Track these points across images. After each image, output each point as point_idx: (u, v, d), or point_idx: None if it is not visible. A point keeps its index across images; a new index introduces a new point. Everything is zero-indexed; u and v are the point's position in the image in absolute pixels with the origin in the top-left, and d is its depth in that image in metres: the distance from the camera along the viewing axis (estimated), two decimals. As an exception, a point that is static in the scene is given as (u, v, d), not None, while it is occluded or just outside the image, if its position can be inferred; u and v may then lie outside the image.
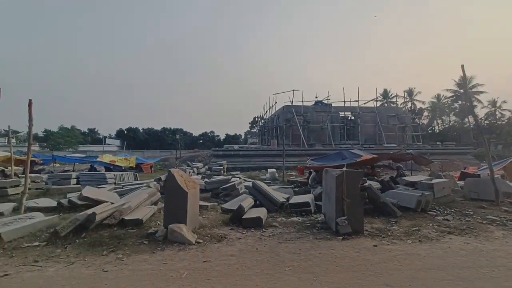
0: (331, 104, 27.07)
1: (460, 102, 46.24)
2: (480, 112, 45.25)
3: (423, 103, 51.44)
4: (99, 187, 10.22)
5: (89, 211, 4.72)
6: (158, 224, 5.10)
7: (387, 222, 4.98)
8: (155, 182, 9.34)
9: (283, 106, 26.70)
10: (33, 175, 9.94)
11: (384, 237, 4.13)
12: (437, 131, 51.61)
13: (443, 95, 49.44)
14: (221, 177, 9.13)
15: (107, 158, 16.86)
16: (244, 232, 4.49)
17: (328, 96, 26.72)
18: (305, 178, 13.25)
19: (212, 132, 68.99)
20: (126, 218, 4.87)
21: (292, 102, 25.62)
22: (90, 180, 11.99)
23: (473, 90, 41.93)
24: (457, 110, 47.73)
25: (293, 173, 17.31)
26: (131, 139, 57.33)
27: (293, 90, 25.71)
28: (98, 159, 16.76)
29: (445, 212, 5.56)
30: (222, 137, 67.80)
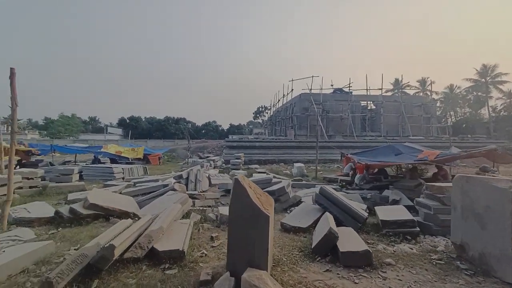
0: (351, 92, 25.01)
1: (475, 93, 44.03)
2: (496, 102, 43.30)
3: (436, 93, 49.10)
4: (106, 185, 8.54)
5: (102, 240, 3.00)
6: (205, 255, 3.39)
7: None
8: (175, 181, 7.63)
9: (300, 94, 24.64)
10: (26, 170, 8.20)
11: None
12: (450, 123, 49.62)
13: (456, 85, 47.17)
14: (262, 175, 7.42)
15: (112, 149, 15.12)
16: (355, 280, 2.77)
17: (350, 84, 24.59)
18: (340, 175, 11.56)
19: (214, 121, 66.87)
20: (159, 248, 3.15)
21: (311, 89, 23.56)
22: (95, 175, 10.31)
23: (496, 79, 39.58)
24: (471, 101, 45.55)
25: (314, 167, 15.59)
26: (134, 128, 55.42)
27: (312, 77, 23.59)
28: (102, 150, 15.02)
29: None
30: (226, 127, 65.75)
